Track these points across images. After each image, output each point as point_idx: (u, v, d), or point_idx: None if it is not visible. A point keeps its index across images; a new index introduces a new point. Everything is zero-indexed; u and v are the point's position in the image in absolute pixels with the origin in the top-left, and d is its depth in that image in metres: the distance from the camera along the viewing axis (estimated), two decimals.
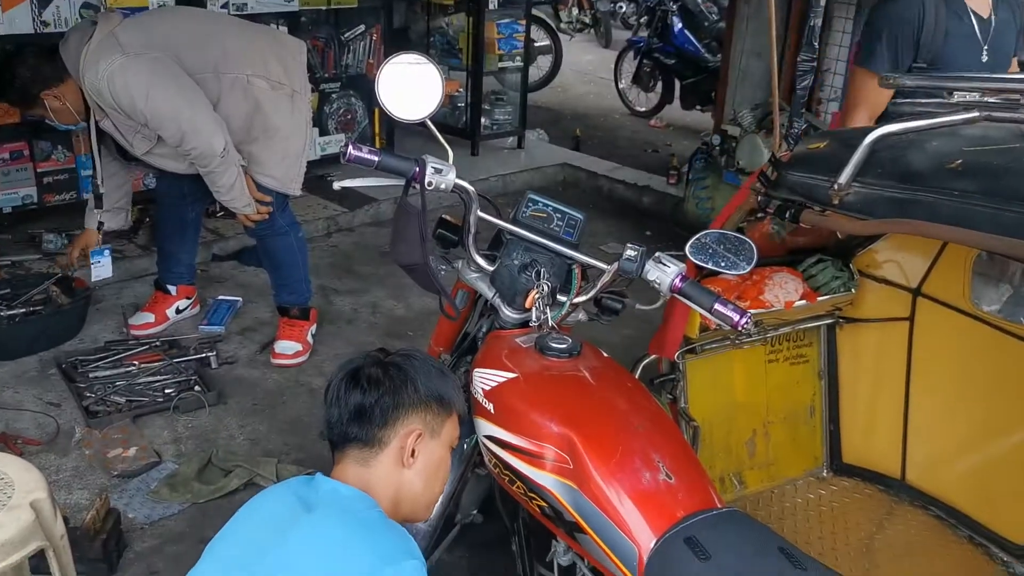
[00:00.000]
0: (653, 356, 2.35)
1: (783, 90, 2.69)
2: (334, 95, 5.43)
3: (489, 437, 1.71)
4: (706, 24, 7.45)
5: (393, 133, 5.84)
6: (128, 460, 2.87)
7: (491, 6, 5.98)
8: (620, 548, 1.49)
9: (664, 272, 1.75)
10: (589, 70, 10.22)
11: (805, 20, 4.35)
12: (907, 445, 2.62)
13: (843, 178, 1.81)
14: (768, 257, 2.34)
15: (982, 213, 1.59)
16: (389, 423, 1.51)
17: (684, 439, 1.71)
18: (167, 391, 3.23)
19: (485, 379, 1.74)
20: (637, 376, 2.26)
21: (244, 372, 3.49)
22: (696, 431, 2.31)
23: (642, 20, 8.35)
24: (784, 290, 2.39)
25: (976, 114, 1.67)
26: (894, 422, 2.63)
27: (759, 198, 2.12)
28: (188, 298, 3.80)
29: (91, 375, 3.28)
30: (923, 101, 2.01)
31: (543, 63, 8.87)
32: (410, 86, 1.83)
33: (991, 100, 1.78)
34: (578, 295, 1.88)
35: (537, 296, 1.84)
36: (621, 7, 11.31)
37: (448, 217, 2.02)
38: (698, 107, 7.53)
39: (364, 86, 5.50)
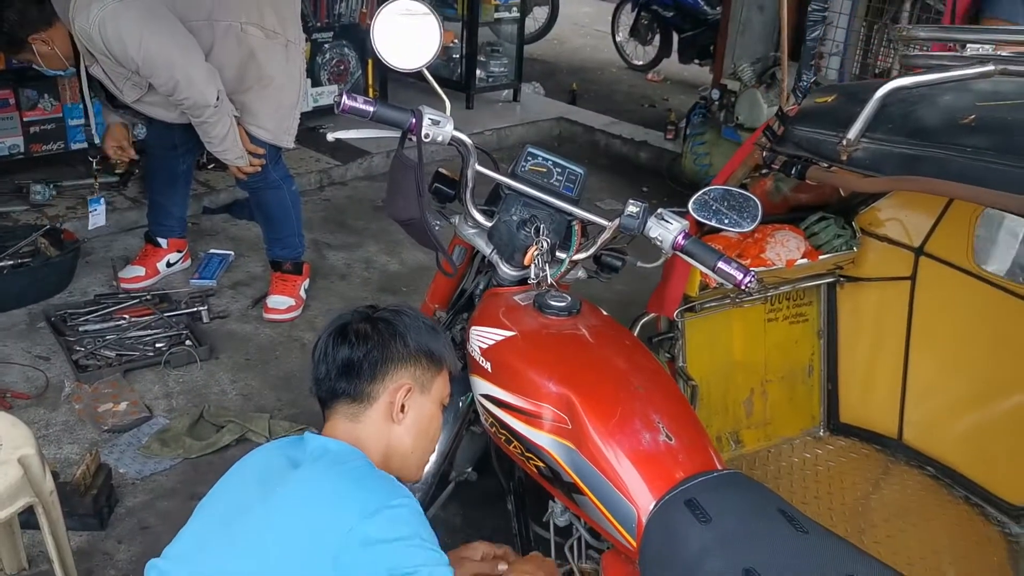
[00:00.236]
0: (652, 314, 2.32)
1: (788, 42, 2.62)
2: (326, 45, 5.32)
3: (486, 396, 1.68)
4: None
5: (386, 84, 5.75)
6: (119, 415, 2.84)
7: None
8: (619, 510, 1.47)
9: (667, 229, 1.71)
10: (586, 22, 10.07)
11: None
12: (905, 405, 2.62)
13: (852, 133, 1.76)
14: (769, 215, 2.29)
15: (995, 170, 1.55)
16: (378, 377, 1.48)
17: (685, 400, 1.68)
18: (158, 345, 3.19)
19: (482, 337, 1.70)
20: (635, 335, 2.24)
21: (236, 327, 3.45)
22: (694, 390, 2.29)
23: None
24: (786, 248, 2.36)
25: (991, 67, 1.62)
26: (892, 382, 2.62)
27: (764, 154, 2.07)
28: (179, 251, 3.75)
29: (81, 329, 3.24)
30: (936, 54, 1.96)
31: (539, 14, 8.72)
32: (406, 34, 1.76)
33: (1005, 53, 1.72)
34: (578, 252, 1.84)
35: (536, 253, 1.80)
36: None
37: (445, 171, 1.97)
38: (696, 61, 7.42)
39: (357, 36, 5.40)
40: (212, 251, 3.94)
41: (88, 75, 3.06)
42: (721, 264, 1.67)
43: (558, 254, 1.84)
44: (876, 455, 2.64)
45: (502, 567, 1.63)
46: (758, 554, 1.32)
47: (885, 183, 1.79)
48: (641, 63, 8.15)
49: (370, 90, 5.59)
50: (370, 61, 5.50)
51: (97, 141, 3.37)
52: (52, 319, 3.29)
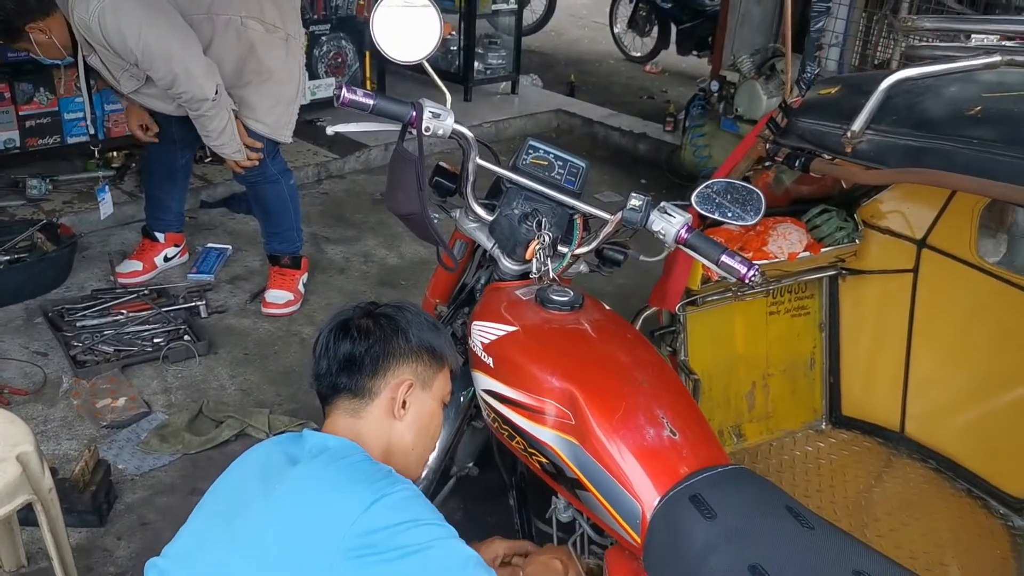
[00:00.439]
0: (653, 308, 2.30)
1: (788, 33, 2.60)
2: (324, 37, 5.29)
3: (488, 391, 1.67)
4: None
5: (384, 77, 5.73)
6: (117, 410, 2.83)
7: None
8: (623, 506, 1.45)
9: (669, 223, 1.69)
10: (583, 14, 10.04)
11: None
12: (907, 397, 2.61)
13: (857, 125, 1.74)
14: (771, 207, 2.28)
15: (1002, 162, 1.53)
16: (380, 372, 1.47)
17: (689, 395, 1.67)
18: (156, 340, 3.18)
19: (484, 332, 1.69)
20: (637, 328, 2.22)
21: (234, 321, 3.43)
22: (696, 384, 2.28)
23: None
24: (788, 241, 2.35)
25: (998, 58, 1.60)
26: (894, 374, 2.61)
27: (768, 146, 2.05)
28: (176, 246, 3.74)
29: (78, 324, 3.22)
30: (941, 44, 1.94)
31: (537, 6, 8.68)
32: (406, 25, 1.74)
33: (1010, 44, 1.71)
34: (580, 246, 1.82)
35: (538, 247, 1.78)
36: None
37: (445, 164, 1.95)
38: (695, 53, 7.38)
39: (354, 28, 5.38)
40: (210, 245, 3.92)
41: (86, 65, 3.04)
42: (725, 258, 1.66)
43: (560, 248, 1.82)
44: (878, 448, 2.64)
45: (517, 560, 1.63)
46: (764, 550, 1.31)
47: (890, 175, 1.78)
48: (639, 55, 8.12)
49: (368, 82, 5.56)
50: (368, 53, 5.48)
51: (93, 131, 3.35)
52: (49, 315, 3.27)
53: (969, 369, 2.48)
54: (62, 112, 4.31)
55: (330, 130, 1.80)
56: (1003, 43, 1.71)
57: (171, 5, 2.87)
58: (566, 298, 1.69)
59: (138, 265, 3.61)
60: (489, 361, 1.66)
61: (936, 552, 2.30)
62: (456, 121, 1.74)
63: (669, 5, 7.35)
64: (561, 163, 1.86)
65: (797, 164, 1.96)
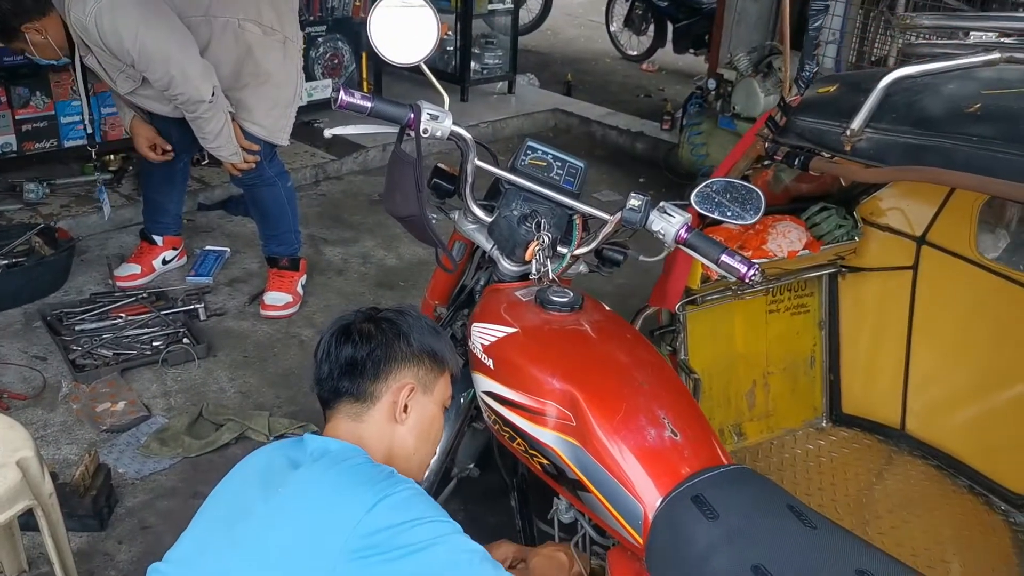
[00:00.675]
0: (653, 308, 2.30)
1: (785, 31, 2.60)
2: (320, 39, 5.29)
3: (488, 393, 1.67)
4: None
5: (381, 78, 5.72)
6: (117, 414, 2.82)
7: None
8: (625, 507, 1.45)
9: (669, 223, 1.69)
10: (580, 13, 10.03)
11: None
12: (907, 395, 2.61)
13: (856, 123, 1.74)
14: (770, 205, 2.28)
15: (1002, 160, 1.53)
16: (381, 376, 1.47)
17: (689, 395, 1.66)
18: (155, 344, 3.17)
19: (484, 334, 1.68)
20: (637, 328, 2.22)
21: (233, 324, 3.43)
22: (697, 383, 2.28)
23: None
24: (787, 239, 2.34)
25: (997, 55, 1.60)
26: (895, 372, 2.61)
27: (767, 144, 2.05)
28: (175, 248, 3.73)
29: (77, 328, 3.22)
30: (939, 42, 1.94)
31: (533, 5, 8.68)
32: (403, 28, 1.74)
33: (1009, 41, 1.70)
34: (579, 247, 1.82)
35: (537, 248, 1.78)
36: None
37: (444, 166, 1.95)
38: (691, 51, 7.39)
39: (351, 29, 5.37)
40: (208, 248, 3.92)
41: (83, 66, 3.03)
42: (725, 257, 1.65)
43: (559, 249, 1.82)
44: (879, 445, 2.64)
45: (521, 566, 1.63)
46: (766, 550, 1.30)
47: (889, 173, 1.78)
48: (636, 53, 8.12)
49: (364, 84, 5.55)
50: (364, 54, 5.47)
51: (91, 131, 3.35)
52: (48, 319, 3.27)
53: (969, 366, 2.48)
54: (59, 116, 4.31)
55: (327, 133, 1.79)
56: (1002, 40, 1.70)
57: (168, 7, 2.86)
58: (566, 299, 1.69)
59: (136, 268, 3.60)
60: (489, 363, 1.65)
61: (937, 549, 2.30)
62: (454, 122, 1.74)
63: (665, 3, 7.35)
64: (560, 164, 1.86)
65: (796, 163, 1.95)
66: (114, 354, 3.10)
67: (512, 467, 2.01)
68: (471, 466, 2.14)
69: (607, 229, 1.78)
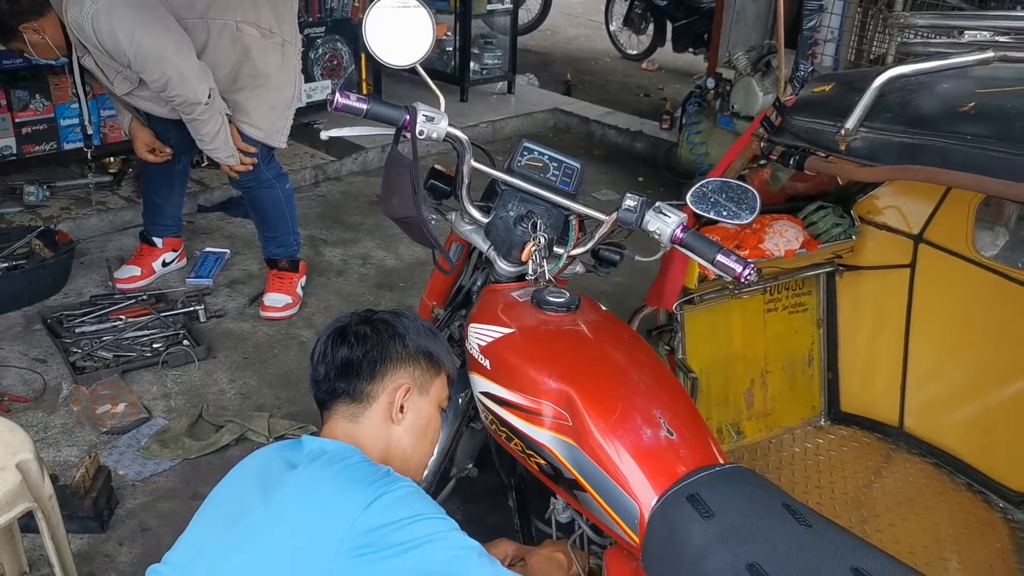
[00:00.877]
0: (651, 308, 2.31)
1: (783, 30, 2.61)
2: (319, 40, 5.29)
3: (485, 394, 1.67)
4: None
5: (380, 79, 5.73)
6: (117, 416, 2.83)
7: None
8: (621, 506, 1.46)
9: (665, 223, 1.69)
10: (579, 12, 10.03)
11: None
12: (906, 393, 2.61)
13: (850, 123, 1.74)
14: (767, 204, 2.28)
15: (997, 158, 1.53)
16: (377, 377, 1.48)
17: (686, 394, 1.67)
18: (155, 346, 3.18)
19: (481, 334, 1.69)
20: (635, 328, 2.23)
21: (233, 325, 3.43)
22: (694, 383, 2.28)
23: None
24: (784, 238, 2.35)
25: (991, 54, 1.60)
26: (893, 370, 2.61)
27: (762, 144, 2.06)
28: (174, 250, 3.74)
29: (77, 330, 3.22)
30: (935, 41, 1.94)
31: (532, 5, 8.69)
32: (399, 29, 1.75)
33: (1004, 39, 1.71)
34: (576, 247, 1.82)
35: (533, 248, 1.78)
36: None
37: (440, 167, 1.96)
38: (690, 50, 7.39)
39: (350, 30, 5.37)
40: (208, 249, 3.92)
41: (81, 67, 3.04)
42: (720, 257, 1.66)
43: (556, 249, 1.82)
44: (877, 443, 2.64)
45: (520, 564, 1.64)
46: (762, 549, 1.31)
47: (884, 172, 1.78)
48: (635, 52, 8.12)
49: (364, 85, 5.56)
50: (363, 56, 5.47)
51: (90, 132, 3.36)
52: (48, 321, 3.27)
53: (967, 363, 2.49)
54: (58, 119, 4.32)
55: (324, 135, 1.80)
56: (996, 39, 1.70)
57: (166, 8, 2.86)
58: (562, 299, 1.70)
59: (136, 270, 3.61)
60: (486, 363, 1.66)
61: (936, 547, 2.30)
62: (450, 123, 1.74)
63: (665, 2, 7.36)
64: (556, 164, 1.86)
65: (792, 162, 1.96)
66: (114, 356, 3.11)
67: (510, 467, 2.01)
68: (469, 466, 2.15)
69: (603, 229, 1.79)
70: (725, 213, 1.76)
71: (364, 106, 1.69)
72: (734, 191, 1.77)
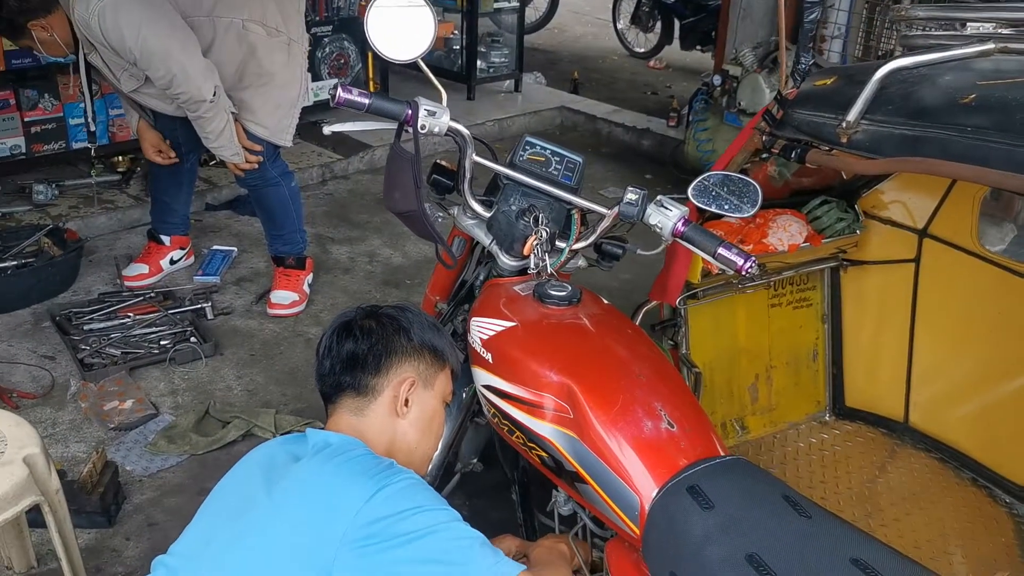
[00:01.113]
0: (654, 302, 2.31)
1: (787, 26, 2.60)
2: (326, 39, 5.31)
3: (487, 387, 1.68)
4: None
5: (387, 77, 5.74)
6: (125, 413, 2.85)
7: None
8: (622, 498, 1.46)
9: (666, 216, 1.70)
10: (586, 10, 10.02)
11: None
12: (910, 388, 2.61)
13: (851, 115, 1.74)
14: (771, 199, 2.28)
15: (997, 150, 1.53)
16: (382, 370, 1.49)
17: (687, 387, 1.67)
18: (163, 343, 3.20)
19: (483, 328, 1.70)
20: (638, 323, 2.23)
21: (240, 323, 3.45)
22: (698, 377, 2.28)
23: None
24: (788, 233, 2.35)
25: (991, 46, 1.60)
26: (898, 365, 2.61)
27: (764, 138, 2.06)
28: (182, 248, 3.76)
29: (85, 327, 3.25)
30: (935, 33, 1.93)
31: (539, 3, 8.69)
32: (400, 25, 1.75)
33: (1005, 31, 1.70)
34: (577, 241, 1.83)
35: (535, 242, 1.79)
36: None
37: (443, 162, 1.96)
38: (698, 47, 7.38)
39: (356, 29, 5.38)
40: (215, 247, 3.94)
41: (88, 64, 3.06)
42: (721, 250, 1.66)
43: (558, 243, 1.83)
44: (882, 438, 2.63)
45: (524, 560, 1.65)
46: (761, 539, 1.31)
47: (886, 165, 1.78)
48: (643, 50, 8.11)
49: (370, 83, 5.57)
50: (370, 54, 5.48)
51: (93, 129, 3.38)
52: (57, 318, 3.30)
53: (972, 358, 2.48)
54: (67, 118, 4.35)
55: (327, 129, 1.81)
56: (998, 31, 1.70)
57: (172, 6, 2.88)
58: (564, 293, 1.70)
59: (144, 268, 3.63)
60: (488, 357, 1.67)
61: (940, 541, 2.29)
62: (454, 119, 1.75)
63: (672, 0, 7.35)
64: (558, 159, 1.87)
65: (793, 155, 1.95)
66: (122, 353, 3.13)
67: (513, 461, 2.02)
68: (474, 461, 2.15)
69: (605, 223, 1.79)
70: (727, 206, 1.76)
71: (366, 101, 1.70)
72: (736, 184, 1.77)
